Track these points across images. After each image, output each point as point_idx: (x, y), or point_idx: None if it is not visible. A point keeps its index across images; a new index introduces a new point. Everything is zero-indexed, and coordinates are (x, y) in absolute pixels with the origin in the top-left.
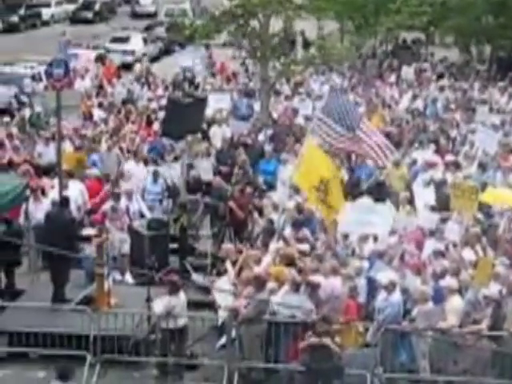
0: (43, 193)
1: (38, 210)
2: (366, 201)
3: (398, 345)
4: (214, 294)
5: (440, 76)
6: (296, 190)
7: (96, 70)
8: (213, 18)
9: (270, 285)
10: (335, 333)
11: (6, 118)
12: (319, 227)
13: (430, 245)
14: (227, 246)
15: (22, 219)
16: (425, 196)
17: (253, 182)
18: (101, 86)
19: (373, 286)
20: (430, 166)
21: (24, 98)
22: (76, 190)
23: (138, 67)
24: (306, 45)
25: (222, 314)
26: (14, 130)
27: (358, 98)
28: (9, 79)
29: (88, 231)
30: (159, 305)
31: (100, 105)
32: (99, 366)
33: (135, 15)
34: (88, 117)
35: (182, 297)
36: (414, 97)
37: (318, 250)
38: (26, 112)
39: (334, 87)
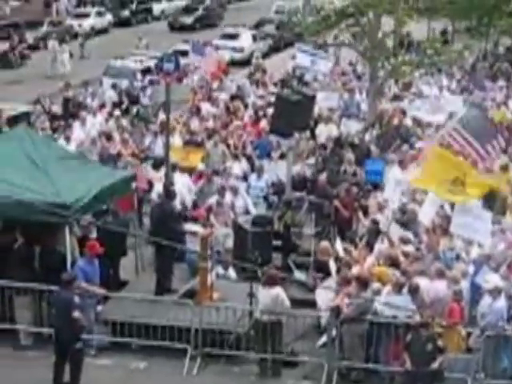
0: (150, 186)
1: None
2: (475, 205)
3: (501, 351)
4: (316, 294)
5: None
6: (402, 191)
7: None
8: (324, 16)
9: (374, 285)
10: (437, 336)
11: (117, 111)
12: (422, 229)
13: None
14: (324, 243)
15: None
16: None
17: (359, 182)
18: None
19: (477, 291)
20: None
21: (134, 92)
22: (182, 184)
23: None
24: (409, 46)
25: (324, 313)
26: (124, 123)
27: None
28: (119, 73)
29: (191, 226)
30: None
31: (209, 99)
32: (200, 359)
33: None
34: (196, 111)
35: (274, 292)
36: None
37: (421, 252)
38: (136, 105)
39: (474, 103)
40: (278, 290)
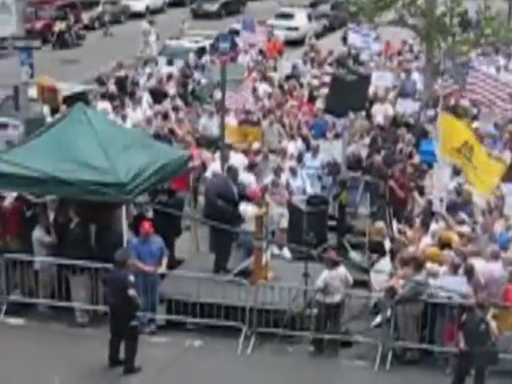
0: (204, 166)
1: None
2: None
3: None
4: (371, 275)
5: None
6: (456, 171)
7: (263, 46)
8: None
9: (429, 266)
10: (492, 318)
11: (172, 89)
12: (477, 210)
13: None
14: (379, 224)
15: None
16: None
17: (415, 162)
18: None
19: None
20: None
21: (189, 71)
22: (237, 162)
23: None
24: (466, 25)
25: (378, 293)
26: (179, 103)
27: None
28: (175, 52)
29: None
30: (319, 279)
31: (265, 79)
32: (254, 338)
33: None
34: (252, 91)
35: (342, 271)
36: None
37: (476, 233)
38: (191, 85)
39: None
40: (343, 269)
